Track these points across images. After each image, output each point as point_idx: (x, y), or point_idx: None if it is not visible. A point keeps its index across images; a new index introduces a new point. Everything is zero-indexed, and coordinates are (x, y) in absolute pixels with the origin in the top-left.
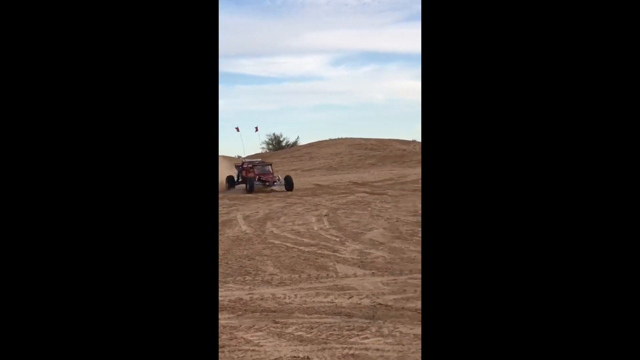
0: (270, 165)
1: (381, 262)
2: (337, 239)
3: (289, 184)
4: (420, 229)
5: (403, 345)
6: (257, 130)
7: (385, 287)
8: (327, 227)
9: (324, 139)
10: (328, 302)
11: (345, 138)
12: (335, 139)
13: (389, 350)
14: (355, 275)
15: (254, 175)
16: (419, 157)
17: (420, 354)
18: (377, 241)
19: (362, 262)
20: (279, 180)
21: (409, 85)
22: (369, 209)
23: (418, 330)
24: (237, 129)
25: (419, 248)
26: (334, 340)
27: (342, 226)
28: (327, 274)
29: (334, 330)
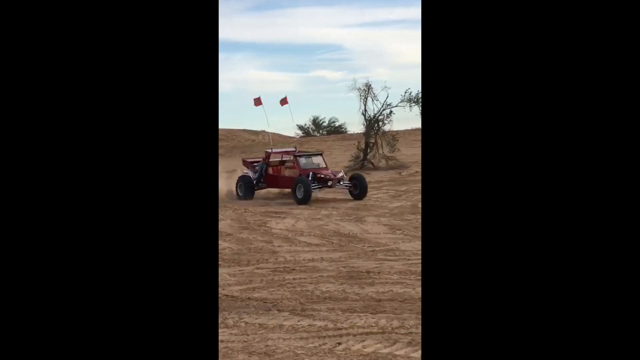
0: (321, 154)
1: (228, 253)
2: None
3: (362, 187)
4: (267, 219)
5: (248, 335)
6: (285, 102)
7: (231, 278)
8: None
9: None
10: None
11: None
12: None
13: (233, 341)
14: None
15: (304, 173)
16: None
17: (263, 343)
18: (225, 232)
19: None
20: (343, 178)
21: (255, 75)
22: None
23: (263, 320)
24: (259, 101)
25: (267, 238)
26: None
27: None
28: None
29: None
